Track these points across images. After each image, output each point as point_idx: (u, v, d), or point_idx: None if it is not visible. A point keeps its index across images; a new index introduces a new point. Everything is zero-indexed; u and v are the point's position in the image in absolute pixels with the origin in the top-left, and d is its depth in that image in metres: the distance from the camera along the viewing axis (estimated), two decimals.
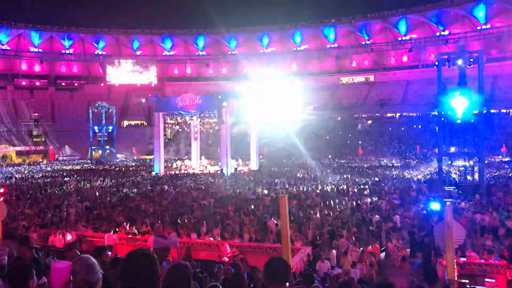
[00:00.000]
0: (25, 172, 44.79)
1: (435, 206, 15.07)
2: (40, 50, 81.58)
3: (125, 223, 16.63)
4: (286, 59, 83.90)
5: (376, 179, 31.59)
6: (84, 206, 21.30)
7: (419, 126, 58.38)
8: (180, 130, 53.85)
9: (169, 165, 46.45)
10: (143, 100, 45.32)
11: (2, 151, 59.50)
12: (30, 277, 3.47)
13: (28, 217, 18.28)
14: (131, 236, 15.56)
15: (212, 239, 15.17)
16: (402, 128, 60.64)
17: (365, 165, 44.12)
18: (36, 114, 71.06)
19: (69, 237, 14.45)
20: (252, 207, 19.79)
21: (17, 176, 40.39)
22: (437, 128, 28.31)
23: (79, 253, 4.15)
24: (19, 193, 26.46)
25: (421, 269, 13.15)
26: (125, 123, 74.93)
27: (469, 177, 27.46)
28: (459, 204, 19.45)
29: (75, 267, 2.54)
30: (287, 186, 28.19)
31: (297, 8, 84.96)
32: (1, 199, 11.17)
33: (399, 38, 76.16)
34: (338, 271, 11.40)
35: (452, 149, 29.80)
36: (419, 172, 36.12)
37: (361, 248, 13.35)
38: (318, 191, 25.88)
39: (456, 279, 8.37)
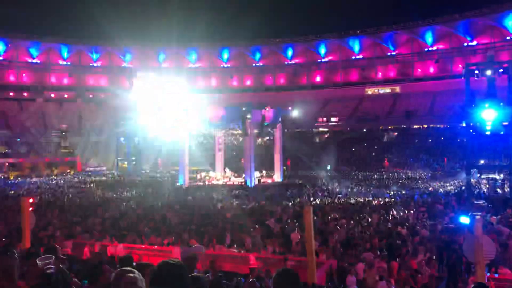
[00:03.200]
0: (53, 182, 45.67)
1: (464, 220, 14.67)
2: (69, 63, 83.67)
3: (152, 235, 16.71)
4: (310, 70, 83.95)
5: (403, 191, 31.06)
6: (110, 217, 21.49)
7: (442, 138, 57.35)
8: (204, 141, 54.17)
9: (194, 176, 46.66)
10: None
11: (31, 162, 60.90)
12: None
13: (55, 227, 18.55)
14: (156, 247, 15.59)
15: (235, 250, 15.09)
16: (429, 140, 59.61)
17: (391, 177, 43.47)
18: (64, 125, 72.55)
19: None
20: (275, 219, 19.66)
21: (45, 186, 41.22)
22: (465, 140, 27.72)
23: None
24: (47, 203, 26.96)
25: (448, 286, 12.79)
26: (151, 134, 75.76)
27: (499, 190, 26.72)
28: (489, 218, 18.90)
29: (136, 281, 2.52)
30: (311, 198, 27.94)
31: (322, 19, 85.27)
32: (30, 209, 11.38)
33: (426, 49, 75.27)
34: None
35: (481, 162, 29.07)
36: (447, 185, 35.35)
37: (388, 264, 13.05)
38: (343, 203, 25.57)
39: None
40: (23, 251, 7.29)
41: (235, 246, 15.45)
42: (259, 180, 41.22)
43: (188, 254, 5.70)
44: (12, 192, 36.68)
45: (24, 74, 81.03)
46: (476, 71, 25.36)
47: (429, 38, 74.00)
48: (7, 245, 13.99)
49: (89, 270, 4.35)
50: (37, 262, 3.37)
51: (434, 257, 14.46)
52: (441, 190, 32.02)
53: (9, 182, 47.99)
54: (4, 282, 3.68)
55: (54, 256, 3.56)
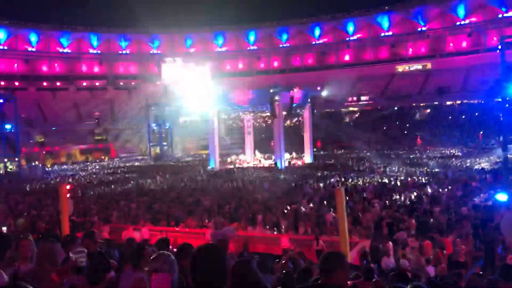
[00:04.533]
0: (89, 169, 46.89)
1: (501, 197, 14.32)
2: (99, 51, 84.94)
3: (190, 217, 17.00)
4: (338, 49, 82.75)
5: (437, 169, 30.48)
6: (144, 201, 21.95)
7: (476, 114, 55.86)
8: (234, 125, 54.42)
9: (224, 159, 47.01)
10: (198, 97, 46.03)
11: (67, 150, 62.58)
12: (106, 271, 3.59)
13: (92, 213, 19.10)
14: (189, 229, 15.87)
15: (268, 232, 15.22)
16: (463, 116, 58.12)
17: (424, 156, 42.72)
18: (97, 113, 74.12)
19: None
20: (307, 200, 19.69)
21: (81, 173, 42.37)
22: (501, 115, 26.88)
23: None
24: (83, 190, 27.74)
25: (485, 264, 12.57)
26: (181, 119, 76.58)
27: None
28: None
29: (157, 265, 2.56)
30: (343, 179, 27.76)
31: None
32: (68, 195, 11.73)
33: (458, 23, 72.93)
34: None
35: None
36: (482, 162, 34.51)
37: (420, 243, 12.91)
38: (375, 183, 25.33)
39: None
40: (63, 237, 7.55)
41: (267, 227, 15.58)
42: (289, 162, 41.21)
43: (219, 236, 5.77)
44: (50, 179, 37.88)
45: (56, 64, 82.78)
46: None
47: (461, 11, 71.58)
48: (47, 231, 14.54)
49: (131, 254, 4.50)
50: (70, 255, 3.50)
51: (470, 235, 14.23)
52: (476, 167, 31.30)
53: (47, 170, 49.58)
54: (48, 265, 3.87)
55: (86, 250, 3.69)
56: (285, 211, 17.71)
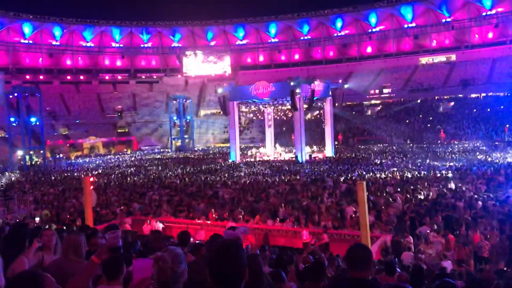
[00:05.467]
0: (111, 161, 47.54)
1: None
2: (121, 45, 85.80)
3: (213, 210, 17.10)
4: (361, 41, 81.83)
5: (461, 163, 29.96)
6: (165, 194, 22.14)
7: (502, 107, 54.58)
8: (254, 118, 54.41)
9: (245, 152, 47.13)
10: (219, 90, 46.10)
11: (90, 142, 63.57)
12: (122, 264, 3.63)
13: (115, 205, 19.36)
14: (209, 222, 15.97)
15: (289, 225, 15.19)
16: (488, 109, 56.91)
17: (448, 149, 42.05)
18: (119, 106, 75.02)
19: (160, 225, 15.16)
20: (328, 193, 19.58)
21: (104, 165, 42.99)
22: None
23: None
24: (106, 182, 28.14)
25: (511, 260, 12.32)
26: (202, 112, 77.07)
27: None
28: None
29: (163, 256, 2.61)
30: (364, 173, 27.52)
31: None
32: (91, 187, 11.93)
33: (484, 13, 71.27)
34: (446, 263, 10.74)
35: None
36: (508, 155, 33.75)
37: (445, 237, 12.74)
38: (398, 177, 25.03)
39: None
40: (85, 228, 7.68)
41: (289, 221, 15.54)
42: (310, 156, 41.04)
43: (231, 236, 5.79)
44: (74, 172, 38.54)
45: (79, 58, 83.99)
46: None
47: (487, 1, 69.91)
48: (70, 222, 14.81)
49: (158, 245, 4.58)
50: (106, 236, 3.56)
51: (495, 230, 13.97)
52: (501, 161, 30.63)
53: (70, 162, 50.48)
54: (73, 257, 3.95)
55: (119, 230, 3.73)
56: (306, 204, 17.65)
